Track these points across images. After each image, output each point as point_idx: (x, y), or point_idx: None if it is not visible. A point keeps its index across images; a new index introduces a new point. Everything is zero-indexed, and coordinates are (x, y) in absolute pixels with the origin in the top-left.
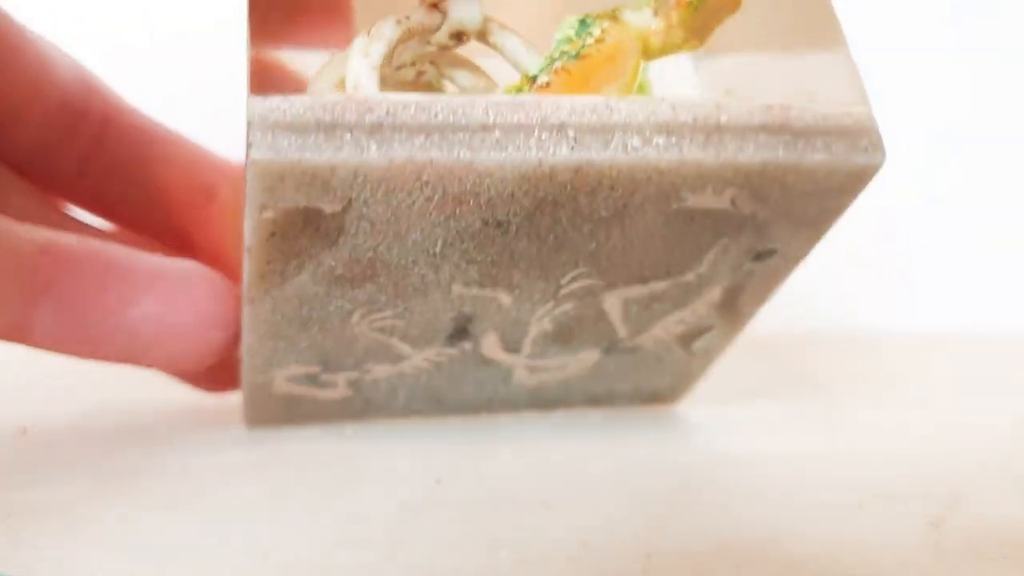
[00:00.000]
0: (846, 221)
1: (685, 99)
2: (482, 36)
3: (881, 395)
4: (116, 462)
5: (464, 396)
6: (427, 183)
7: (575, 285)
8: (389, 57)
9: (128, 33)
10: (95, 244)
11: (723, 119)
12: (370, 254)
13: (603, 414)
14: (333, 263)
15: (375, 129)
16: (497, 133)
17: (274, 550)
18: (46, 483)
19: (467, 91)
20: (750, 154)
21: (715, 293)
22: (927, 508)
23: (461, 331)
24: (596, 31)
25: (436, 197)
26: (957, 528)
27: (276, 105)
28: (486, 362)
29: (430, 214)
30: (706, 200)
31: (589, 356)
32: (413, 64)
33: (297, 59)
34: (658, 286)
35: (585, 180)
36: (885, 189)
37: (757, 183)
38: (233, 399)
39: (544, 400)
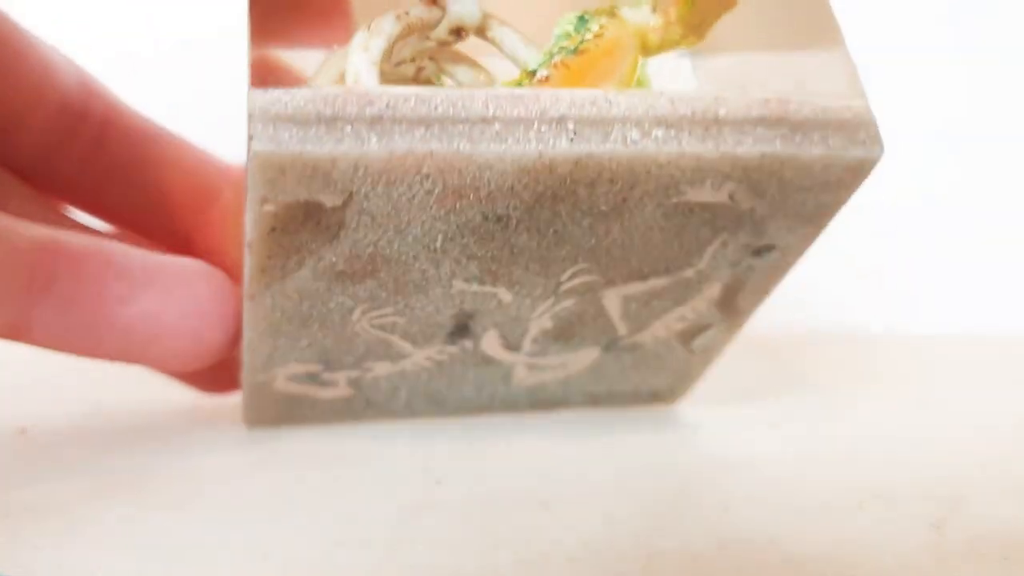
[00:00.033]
0: (846, 221)
1: (684, 93)
2: (481, 32)
3: (881, 395)
4: (116, 462)
5: (464, 395)
6: (427, 176)
7: (575, 281)
8: (388, 53)
9: (131, 40)
10: (95, 241)
11: (721, 112)
12: (371, 249)
13: (603, 414)
14: (334, 258)
15: (375, 121)
16: (497, 126)
17: (274, 550)
18: (46, 483)
19: (466, 87)
20: (748, 147)
21: (714, 290)
22: (928, 509)
23: (462, 328)
24: (594, 27)
25: (436, 190)
26: (958, 529)
27: (277, 98)
28: (486, 360)
29: (430, 208)
30: (705, 194)
31: (589, 354)
32: (412, 60)
33: (298, 59)
34: (657, 282)
35: (585, 173)
36: (885, 189)
37: (755, 177)
38: (233, 400)
39: (544, 400)
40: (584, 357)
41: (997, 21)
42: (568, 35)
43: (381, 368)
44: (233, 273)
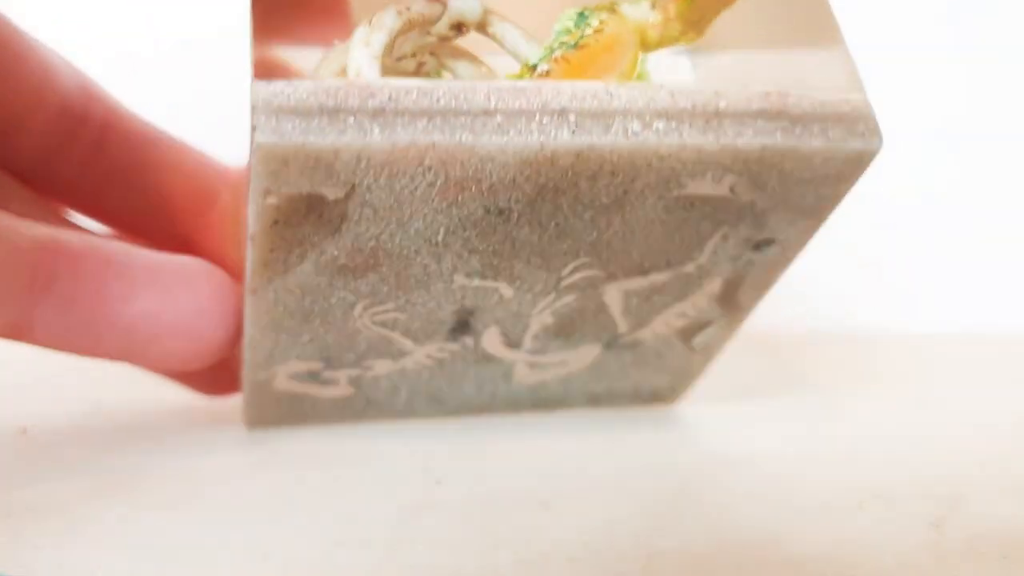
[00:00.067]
0: (846, 220)
1: (684, 86)
2: (482, 27)
3: (881, 394)
4: (117, 462)
5: (464, 394)
6: (429, 168)
7: (576, 276)
8: (390, 48)
9: (131, 40)
10: (96, 241)
11: (722, 105)
12: (372, 243)
13: (603, 414)
14: (336, 252)
15: (378, 113)
16: (499, 118)
17: (274, 550)
18: (46, 483)
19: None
20: (749, 139)
21: (715, 285)
22: (927, 508)
23: (462, 325)
24: (594, 22)
25: (438, 182)
26: (957, 528)
27: (280, 90)
28: (487, 358)
29: (432, 200)
30: (705, 187)
31: (589, 352)
32: (414, 55)
33: (299, 58)
34: (658, 277)
35: (586, 165)
36: (885, 188)
37: (756, 169)
38: (233, 400)
39: (544, 400)
40: (585, 355)
41: (997, 21)
42: (568, 31)
43: (382, 366)
44: (233, 275)
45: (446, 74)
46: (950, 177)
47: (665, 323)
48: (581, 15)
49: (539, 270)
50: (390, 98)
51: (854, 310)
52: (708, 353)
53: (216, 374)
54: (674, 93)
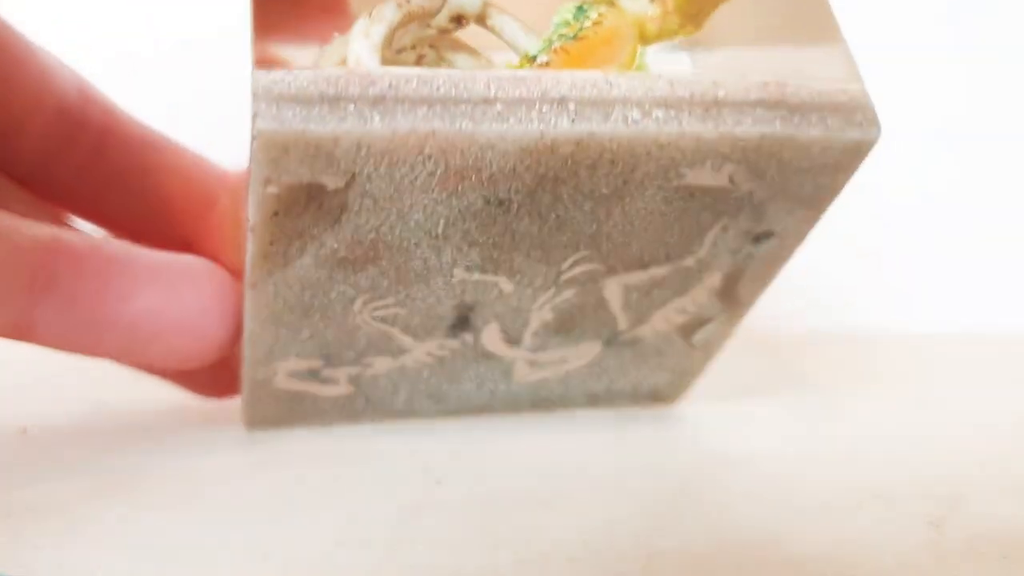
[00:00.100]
0: (847, 220)
1: (683, 75)
2: (481, 20)
3: (881, 395)
4: (117, 462)
5: (464, 393)
6: (429, 156)
7: (576, 270)
8: (389, 40)
9: (131, 40)
10: (97, 240)
11: (720, 94)
12: (372, 235)
13: (603, 414)
14: (336, 244)
15: (378, 101)
16: (499, 106)
17: (274, 550)
18: (46, 483)
19: None
20: (747, 127)
21: (715, 279)
22: (927, 508)
23: (462, 321)
24: (593, 15)
25: (439, 172)
26: (957, 528)
27: (280, 78)
28: (487, 356)
29: (432, 190)
30: (705, 177)
31: (589, 349)
32: (413, 48)
33: (299, 55)
34: (658, 271)
35: (586, 154)
36: (886, 188)
37: (754, 158)
38: (233, 401)
39: (544, 399)
40: (584, 352)
41: (997, 19)
42: (567, 23)
43: (381, 364)
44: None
45: (445, 67)
46: (951, 176)
47: (665, 319)
48: (580, 8)
49: (539, 263)
50: (390, 86)
51: (854, 310)
52: (708, 350)
53: (216, 376)
54: (673, 82)
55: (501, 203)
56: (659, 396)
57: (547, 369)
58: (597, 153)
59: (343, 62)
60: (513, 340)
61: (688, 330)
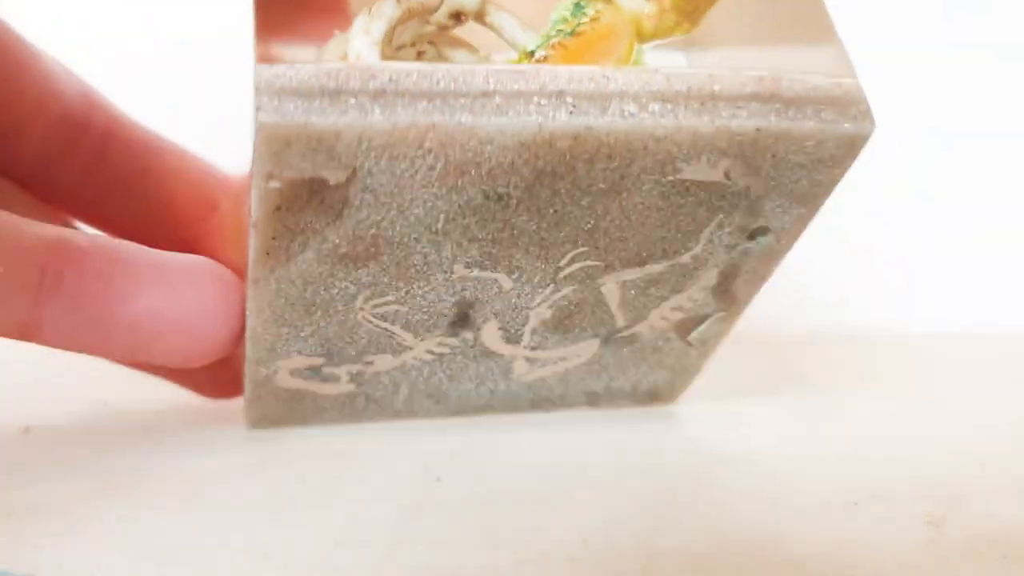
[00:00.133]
0: (846, 220)
1: (679, 70)
2: (480, 17)
3: (880, 394)
4: (118, 462)
5: (464, 393)
6: (429, 150)
7: (574, 266)
8: (389, 36)
9: (131, 40)
10: (101, 240)
11: (716, 88)
12: (373, 230)
13: (603, 414)
14: (337, 240)
15: (379, 94)
16: (498, 99)
17: (274, 550)
18: (48, 482)
19: None
20: (743, 120)
21: (711, 276)
22: (926, 508)
23: (462, 318)
24: (590, 12)
25: (438, 166)
26: (956, 528)
27: (282, 72)
28: (486, 353)
29: (432, 185)
30: (701, 172)
31: (588, 347)
32: (413, 45)
33: (300, 55)
34: (655, 268)
35: (583, 148)
36: (885, 187)
37: (749, 153)
38: (234, 400)
39: (543, 399)
40: (583, 350)
41: (993, 18)
42: (565, 20)
43: (382, 362)
44: None
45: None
46: (951, 176)
47: (662, 317)
48: (577, 5)
49: (537, 260)
50: (391, 80)
51: (854, 310)
52: (705, 348)
53: (218, 376)
54: (669, 76)
55: (500, 198)
56: (658, 396)
57: (546, 367)
58: (594, 147)
59: (344, 58)
60: (512, 338)
61: (685, 328)
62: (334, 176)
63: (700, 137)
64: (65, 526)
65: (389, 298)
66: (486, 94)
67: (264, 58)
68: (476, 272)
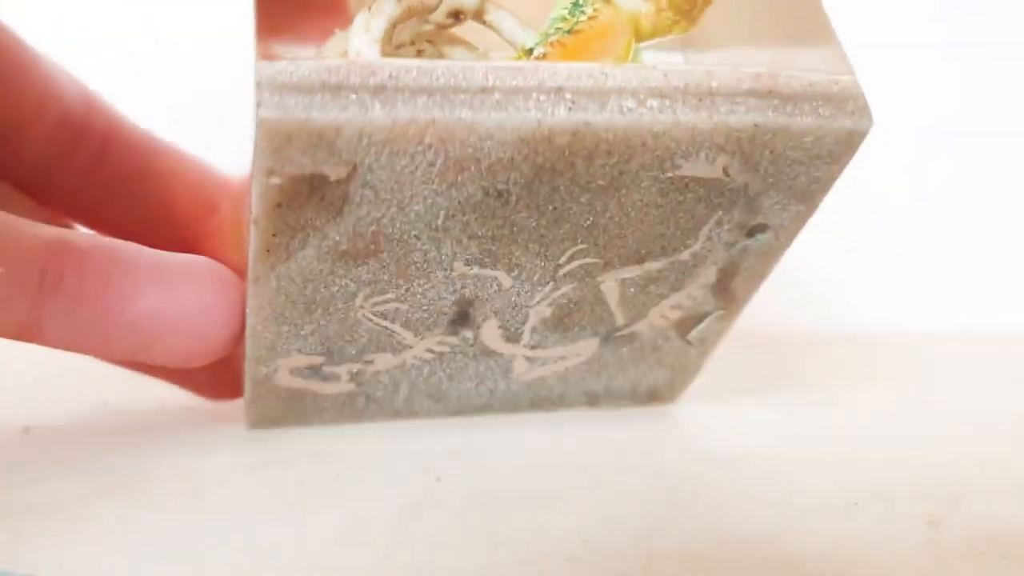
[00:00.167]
0: (846, 219)
1: (677, 66)
2: (479, 15)
3: (880, 395)
4: (118, 461)
5: (464, 392)
6: (429, 146)
7: (574, 264)
8: (389, 35)
9: (131, 40)
10: (101, 240)
11: (714, 84)
12: (373, 227)
13: (603, 414)
14: (337, 237)
15: (379, 90)
16: (497, 95)
17: (274, 550)
18: (48, 482)
19: None
20: (741, 116)
21: (710, 274)
22: (925, 508)
23: (462, 316)
24: (588, 10)
25: (438, 162)
26: (955, 528)
27: (283, 68)
28: (486, 353)
29: (432, 181)
30: (699, 168)
31: (587, 346)
32: (412, 43)
33: (301, 55)
34: (654, 265)
35: (582, 144)
36: (883, 187)
37: (748, 149)
38: (235, 400)
39: (543, 398)
40: (583, 349)
41: (991, 18)
42: (563, 18)
43: (382, 361)
44: None
45: None
46: (949, 176)
47: (661, 315)
48: (576, 3)
49: (537, 257)
50: (391, 76)
51: (853, 309)
52: (705, 347)
53: (218, 377)
54: (667, 72)
55: (500, 195)
56: (658, 395)
57: (546, 367)
58: (593, 143)
59: (344, 55)
60: (512, 337)
61: (684, 326)
62: (335, 172)
63: (698, 133)
64: (65, 526)
65: (389, 296)
66: (485, 90)
67: (265, 57)
68: (476, 269)
